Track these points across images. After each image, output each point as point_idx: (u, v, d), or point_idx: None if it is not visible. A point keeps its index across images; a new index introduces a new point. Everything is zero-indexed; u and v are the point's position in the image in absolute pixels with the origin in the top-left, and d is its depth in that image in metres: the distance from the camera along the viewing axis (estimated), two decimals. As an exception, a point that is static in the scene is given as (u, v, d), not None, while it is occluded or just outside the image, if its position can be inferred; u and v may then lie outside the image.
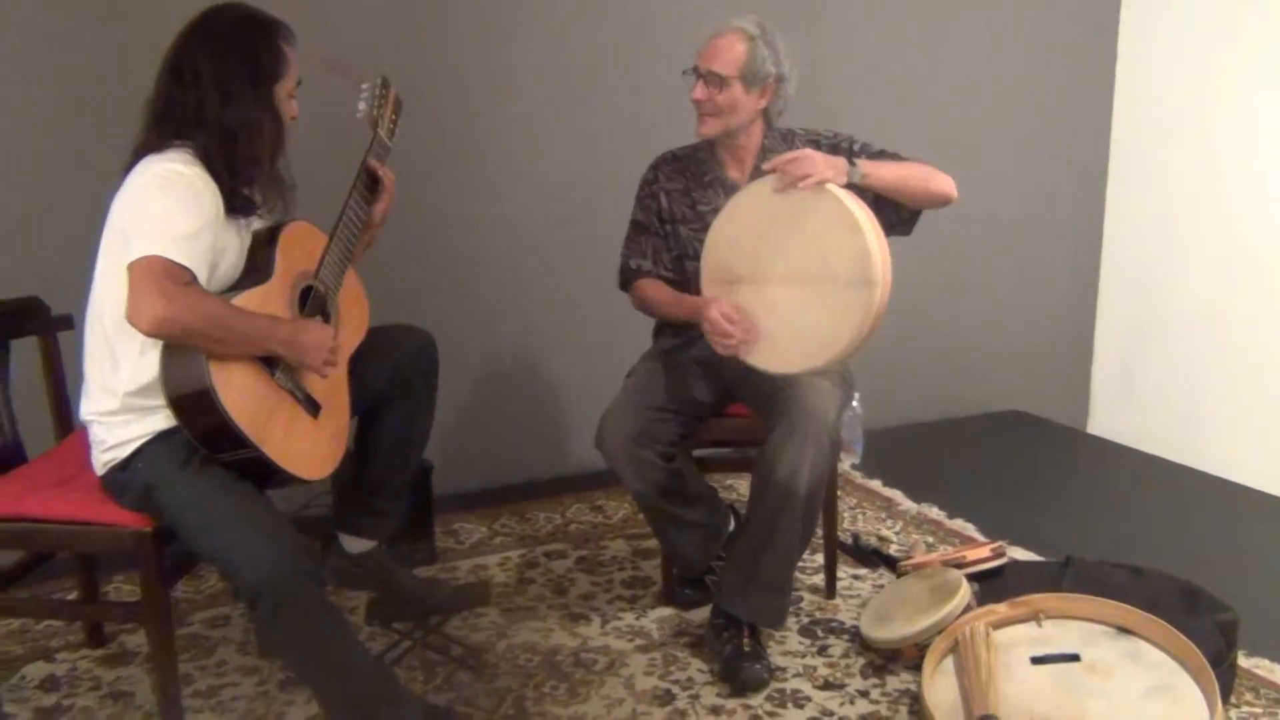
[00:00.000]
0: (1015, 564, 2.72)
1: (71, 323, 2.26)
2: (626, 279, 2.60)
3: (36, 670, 2.37)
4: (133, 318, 1.78)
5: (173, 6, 2.01)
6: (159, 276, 1.78)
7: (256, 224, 2.10)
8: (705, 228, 2.39)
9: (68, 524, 1.99)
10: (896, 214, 2.41)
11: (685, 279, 2.51)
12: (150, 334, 1.80)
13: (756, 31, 2.37)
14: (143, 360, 1.90)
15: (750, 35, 2.37)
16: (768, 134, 2.49)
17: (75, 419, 2.16)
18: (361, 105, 2.21)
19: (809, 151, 2.25)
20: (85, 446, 2.03)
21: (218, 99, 1.93)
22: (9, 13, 2.72)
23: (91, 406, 1.98)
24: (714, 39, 2.39)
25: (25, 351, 2.27)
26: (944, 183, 2.40)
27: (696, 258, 2.41)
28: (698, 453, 2.56)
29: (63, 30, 2.77)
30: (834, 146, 2.43)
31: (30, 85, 2.76)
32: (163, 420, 1.92)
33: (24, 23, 2.74)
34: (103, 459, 1.98)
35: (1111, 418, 4.38)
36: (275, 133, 2.01)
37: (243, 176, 1.99)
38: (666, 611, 2.63)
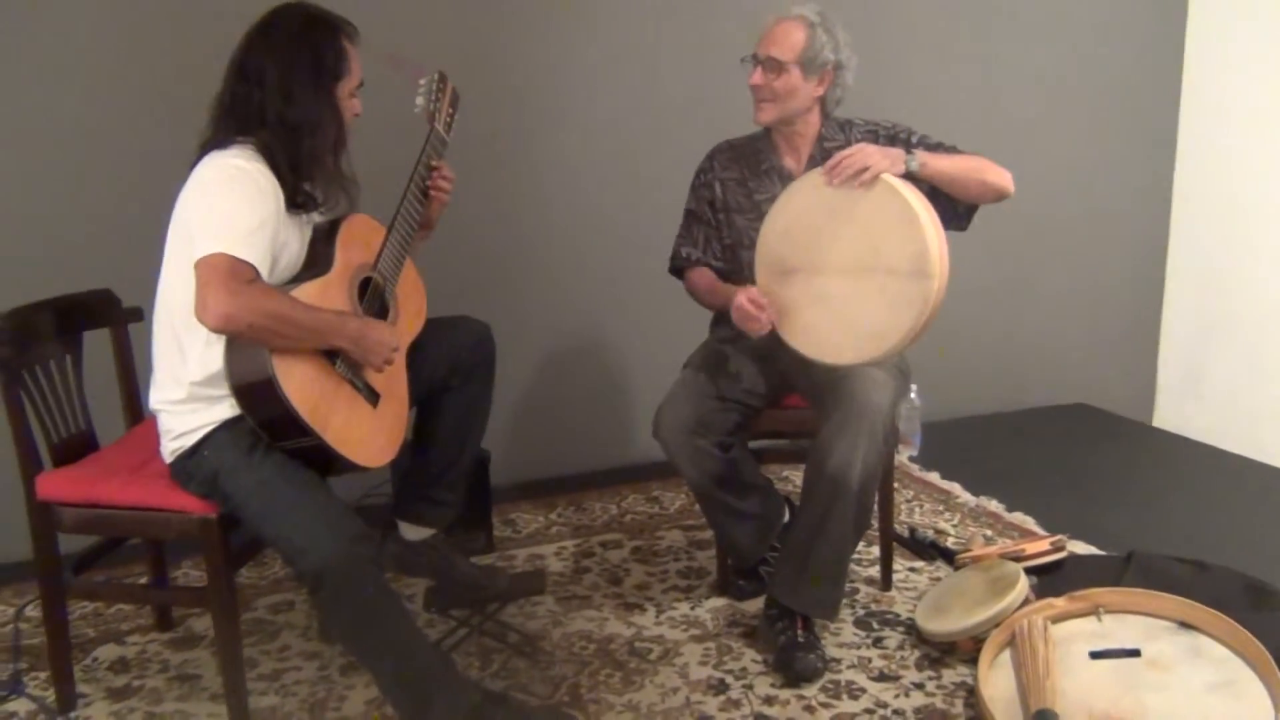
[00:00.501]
0: (1075, 558, 2.69)
1: (141, 315, 2.31)
2: (676, 265, 2.63)
3: (108, 652, 2.43)
4: (199, 314, 1.83)
5: (243, 6, 2.05)
6: (224, 274, 1.82)
7: (318, 219, 2.14)
8: (761, 216, 2.40)
9: (138, 510, 2.05)
10: (952, 208, 2.39)
11: (739, 268, 2.51)
12: (216, 330, 1.85)
13: (816, 19, 2.38)
14: (209, 351, 1.94)
15: (810, 22, 2.38)
16: (825, 123, 2.49)
17: (144, 408, 2.22)
18: (419, 100, 2.24)
19: (862, 146, 2.25)
20: (154, 435, 2.08)
21: (281, 98, 1.97)
22: (81, 10, 2.79)
23: (160, 396, 2.03)
24: (773, 26, 2.40)
25: (97, 343, 2.33)
26: (1001, 176, 2.38)
27: (751, 246, 2.41)
28: (753, 444, 2.56)
29: (133, 27, 2.83)
30: (892, 138, 2.42)
31: (101, 82, 2.83)
32: (228, 409, 1.96)
33: (96, 19, 2.81)
34: (170, 447, 2.02)
35: (1178, 411, 4.30)
36: (337, 131, 2.05)
37: (304, 173, 2.03)
38: (721, 602, 2.63)
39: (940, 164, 2.32)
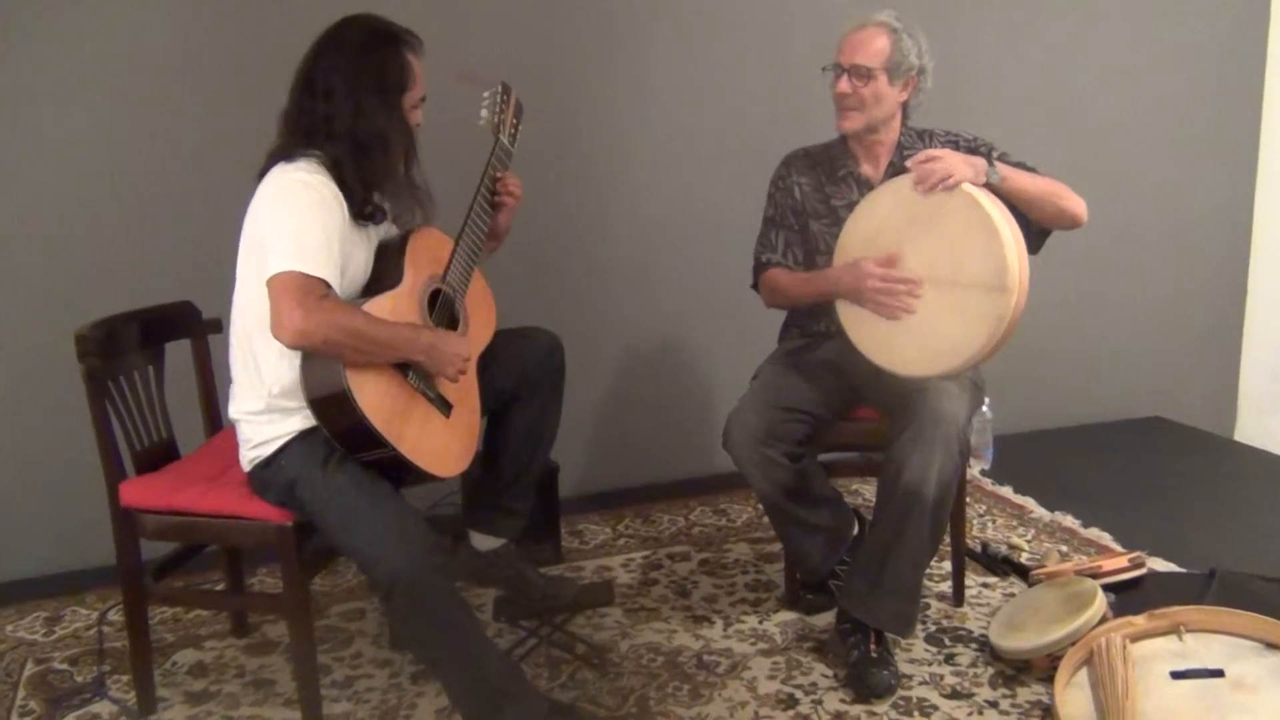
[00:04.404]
0: (1155, 575, 2.64)
1: (220, 326, 2.36)
2: (757, 275, 2.61)
3: (186, 657, 2.48)
4: (275, 332, 1.87)
5: (320, 19, 2.08)
6: (297, 291, 1.86)
7: (385, 231, 2.16)
8: (837, 222, 2.40)
9: (217, 517, 2.08)
10: (1024, 229, 2.35)
11: (808, 267, 2.51)
12: (292, 346, 1.88)
13: (898, 24, 2.38)
14: (283, 363, 1.97)
15: (893, 28, 2.38)
16: (904, 130, 2.49)
17: (223, 417, 2.27)
18: (483, 113, 2.27)
19: (947, 151, 2.24)
20: (233, 443, 2.12)
21: (349, 112, 1.99)
22: (168, 22, 2.85)
23: (238, 407, 2.07)
24: (855, 33, 2.40)
25: (177, 353, 2.38)
26: (1076, 205, 2.37)
27: (827, 252, 2.41)
28: (823, 457, 2.55)
29: (220, 38, 2.89)
30: (972, 150, 2.40)
31: (184, 95, 2.89)
32: (304, 420, 2.00)
33: (183, 31, 2.88)
34: (249, 456, 2.06)
35: (1261, 425, 4.18)
36: (405, 143, 2.07)
37: (374, 186, 2.05)
38: (789, 616, 2.61)
39: (1020, 181, 2.30)
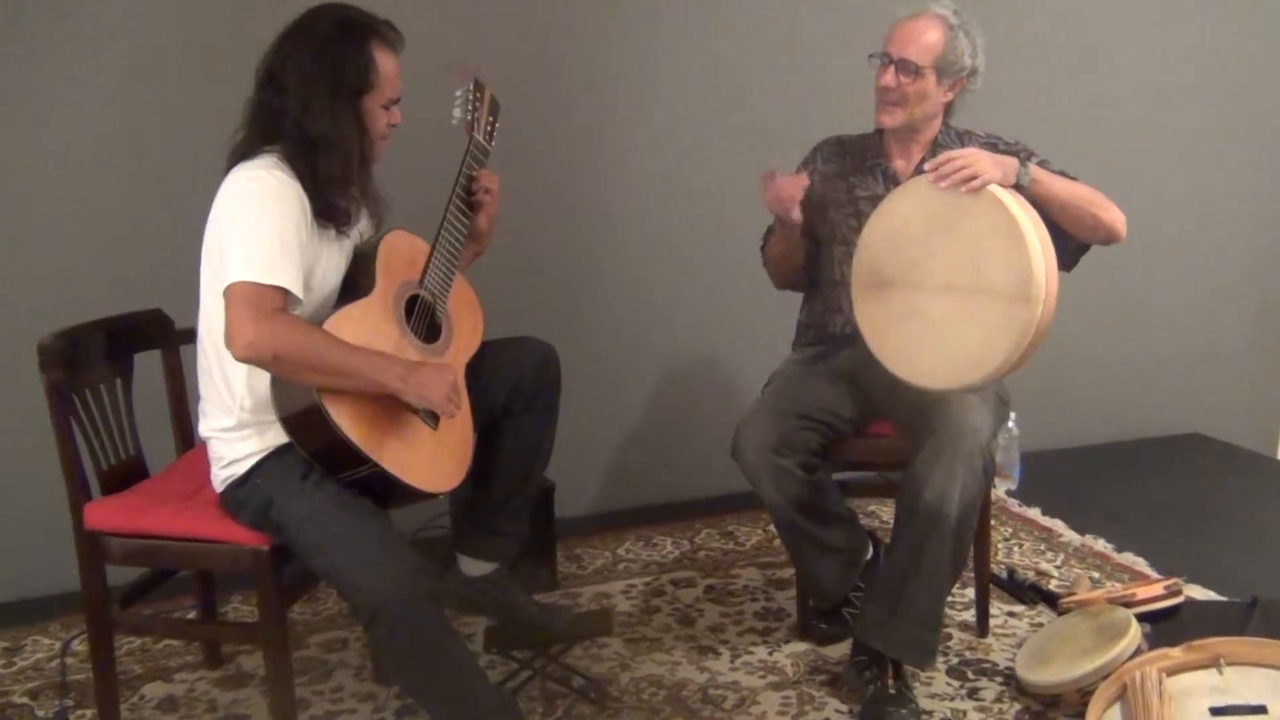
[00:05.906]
0: (1192, 604, 2.57)
1: (194, 336, 2.27)
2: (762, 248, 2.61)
3: (155, 690, 2.40)
4: (227, 344, 1.82)
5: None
6: (248, 302, 1.80)
7: (356, 238, 2.09)
8: (857, 214, 2.35)
9: (188, 541, 2.01)
10: (1059, 243, 2.24)
11: (829, 262, 2.45)
12: (242, 360, 1.82)
13: (956, 20, 2.28)
14: (252, 376, 1.91)
15: (949, 24, 2.28)
16: (943, 129, 2.40)
17: (195, 434, 2.20)
18: (456, 112, 2.20)
19: (973, 150, 2.14)
20: (205, 462, 2.05)
21: (299, 107, 1.91)
22: (138, 26, 2.79)
23: (209, 424, 2.01)
24: (908, 23, 2.30)
25: (147, 365, 2.30)
26: (1115, 216, 2.26)
27: (844, 243, 2.35)
28: (838, 476, 2.46)
29: (191, 42, 2.83)
30: (1011, 155, 2.29)
31: (154, 97, 2.83)
32: (280, 435, 1.92)
33: (153, 34, 2.81)
34: (221, 475, 1.99)
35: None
36: (360, 146, 1.97)
37: (327, 188, 1.96)
38: (801, 647, 2.53)
39: (1054, 186, 2.20)
